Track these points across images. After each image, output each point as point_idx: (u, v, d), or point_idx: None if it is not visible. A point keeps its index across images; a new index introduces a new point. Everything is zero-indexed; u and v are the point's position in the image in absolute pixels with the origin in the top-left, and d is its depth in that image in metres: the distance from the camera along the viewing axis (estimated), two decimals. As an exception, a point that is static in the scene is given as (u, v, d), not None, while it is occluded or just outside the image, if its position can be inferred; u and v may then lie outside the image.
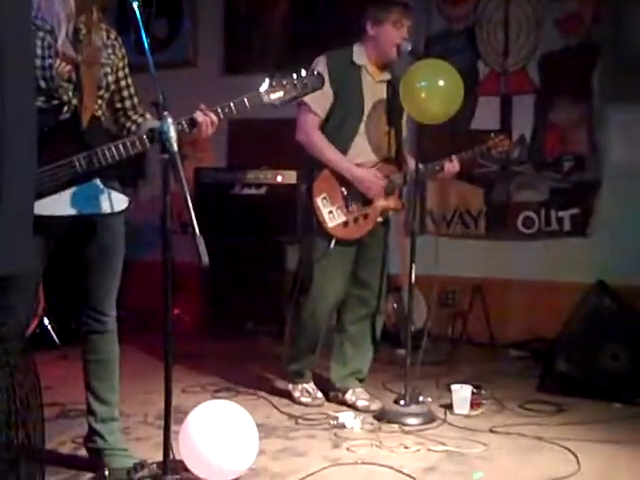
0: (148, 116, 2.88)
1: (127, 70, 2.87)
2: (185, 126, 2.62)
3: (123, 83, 2.85)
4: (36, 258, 2.66)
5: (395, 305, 5.13)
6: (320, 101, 3.67)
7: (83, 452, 3.01)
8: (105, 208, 2.75)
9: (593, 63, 5.15)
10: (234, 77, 5.75)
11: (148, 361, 4.45)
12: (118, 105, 2.86)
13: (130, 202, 2.85)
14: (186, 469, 2.72)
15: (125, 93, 2.86)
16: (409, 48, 3.69)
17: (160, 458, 2.51)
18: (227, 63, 6.13)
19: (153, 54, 2.47)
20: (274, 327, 5.36)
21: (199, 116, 2.64)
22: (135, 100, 2.89)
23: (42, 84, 2.60)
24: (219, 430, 2.74)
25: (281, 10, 5.97)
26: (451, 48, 5.42)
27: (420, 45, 5.24)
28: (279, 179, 5.54)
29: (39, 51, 2.59)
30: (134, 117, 2.88)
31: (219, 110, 2.68)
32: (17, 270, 1.55)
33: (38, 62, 2.58)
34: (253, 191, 5.58)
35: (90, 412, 2.90)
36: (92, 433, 2.91)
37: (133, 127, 2.86)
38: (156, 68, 2.45)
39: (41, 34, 2.60)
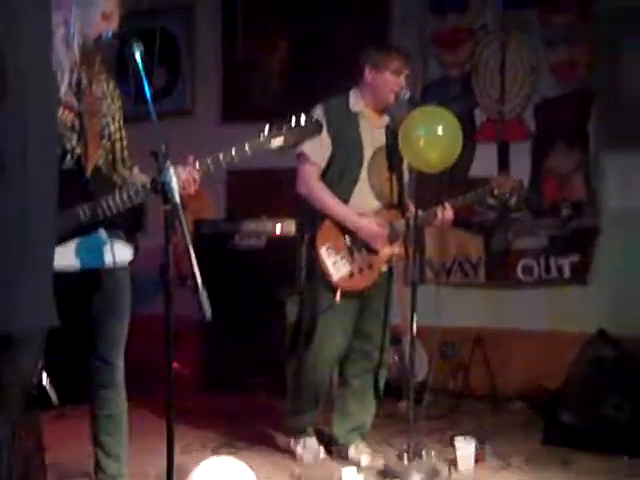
0: (135, 170, 2.86)
1: (122, 122, 2.85)
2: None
3: (118, 135, 2.83)
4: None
5: (396, 357, 5.05)
6: (319, 151, 3.64)
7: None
8: (110, 261, 2.70)
9: (589, 109, 5.14)
10: (232, 125, 5.73)
11: (147, 417, 4.34)
12: (109, 157, 2.83)
13: (136, 252, 2.81)
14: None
15: (118, 145, 2.84)
16: (407, 96, 3.67)
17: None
18: (225, 111, 6.12)
19: (152, 103, 2.43)
20: (273, 381, 5.26)
21: (182, 173, 2.58)
22: (125, 153, 2.87)
23: None
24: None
25: (279, 59, 5.98)
26: (448, 95, 5.42)
27: (417, 92, 5.24)
28: (278, 230, 5.49)
29: None
30: (121, 171, 2.85)
31: (220, 157, 2.65)
32: (42, 325, 1.52)
33: None
34: (252, 242, 5.52)
35: (99, 469, 2.82)
36: None
37: (119, 181, 2.82)
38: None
39: None
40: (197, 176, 2.62)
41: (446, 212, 3.76)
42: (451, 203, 3.78)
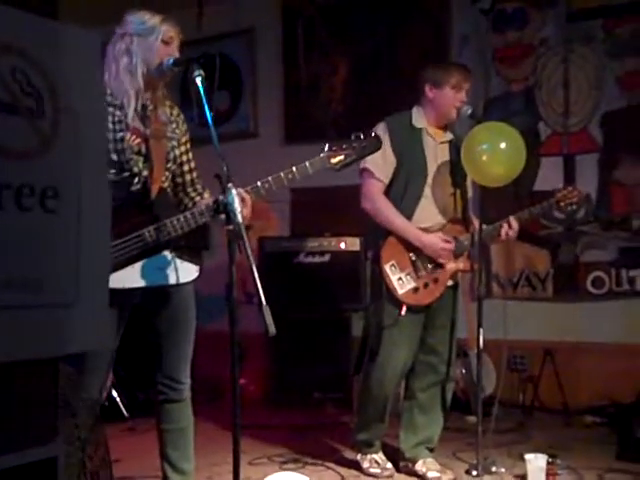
0: (206, 195, 2.93)
1: (188, 145, 2.93)
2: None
3: (184, 158, 2.92)
4: (111, 332, 2.69)
5: (464, 371, 5.03)
6: (383, 167, 3.67)
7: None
8: (175, 279, 2.77)
9: (655, 120, 5.08)
10: (295, 146, 5.81)
11: (214, 432, 4.42)
12: (178, 180, 2.91)
13: (201, 270, 2.88)
14: None
15: (185, 168, 2.92)
16: (469, 111, 3.68)
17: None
18: (287, 132, 6.21)
19: (215, 126, 2.50)
20: (340, 395, 5.29)
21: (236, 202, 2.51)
22: (194, 175, 2.95)
23: (114, 157, 2.68)
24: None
25: (340, 78, 6.05)
26: (511, 110, 5.40)
27: (479, 108, 5.24)
28: (342, 246, 5.53)
29: (110, 125, 2.68)
30: (192, 194, 2.93)
31: (282, 176, 2.70)
32: (97, 346, 1.60)
33: (110, 135, 2.67)
34: (317, 259, 5.57)
35: None
36: None
37: (190, 204, 2.90)
38: (219, 140, 2.48)
39: (111, 109, 2.70)
40: (248, 200, 2.62)
41: (511, 226, 3.75)
42: (517, 217, 3.77)
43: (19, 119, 1.34)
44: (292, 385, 5.53)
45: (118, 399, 4.95)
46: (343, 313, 5.59)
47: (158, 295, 2.78)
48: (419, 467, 3.76)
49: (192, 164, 2.95)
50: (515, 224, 3.75)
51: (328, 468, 3.90)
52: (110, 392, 4.90)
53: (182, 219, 2.69)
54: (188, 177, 2.93)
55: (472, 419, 4.62)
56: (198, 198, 2.93)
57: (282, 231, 6.16)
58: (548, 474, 3.57)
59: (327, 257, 5.56)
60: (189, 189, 2.94)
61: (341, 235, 5.54)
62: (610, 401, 4.89)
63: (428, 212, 3.73)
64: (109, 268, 1.61)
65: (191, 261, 2.82)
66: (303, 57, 6.18)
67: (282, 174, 2.71)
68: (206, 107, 2.45)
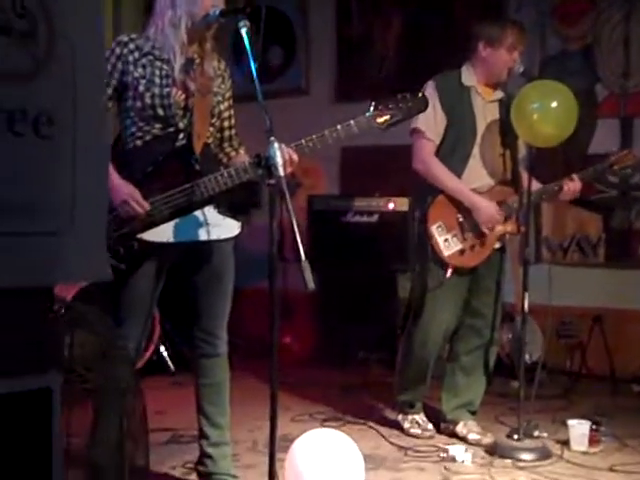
0: (242, 151, 2.91)
1: (231, 101, 2.91)
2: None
3: (226, 114, 2.90)
4: (149, 285, 2.72)
5: (510, 335, 4.98)
6: (433, 126, 3.62)
7: (193, 477, 3.03)
8: (217, 234, 2.78)
9: None
10: (346, 104, 5.75)
11: (257, 388, 4.42)
12: (217, 134, 2.89)
13: (243, 227, 2.87)
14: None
15: (226, 123, 2.91)
16: (521, 70, 3.59)
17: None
18: (339, 90, 6.15)
19: (267, 82, 2.47)
20: (386, 356, 5.28)
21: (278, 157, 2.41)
22: (233, 131, 2.93)
23: (160, 112, 2.67)
24: (325, 460, 2.70)
25: (394, 36, 5.95)
26: (567, 70, 5.25)
27: (535, 67, 5.10)
28: (391, 206, 5.48)
29: (157, 80, 2.67)
30: (227, 149, 2.92)
31: (326, 134, 2.67)
32: (91, 278, 1.62)
33: (156, 90, 2.66)
34: (365, 219, 5.54)
35: (202, 435, 2.93)
36: (204, 456, 2.93)
37: (224, 159, 2.89)
38: (270, 96, 2.44)
39: (158, 63, 2.69)
40: (295, 157, 2.57)
41: (574, 184, 3.66)
42: (580, 176, 3.67)
43: (11, 40, 1.34)
44: (338, 344, 5.54)
45: (165, 353, 5.02)
46: (390, 273, 5.56)
47: (198, 251, 2.79)
48: (460, 429, 3.75)
49: (232, 120, 2.93)
50: (578, 182, 3.67)
51: (369, 427, 3.92)
52: (158, 346, 4.97)
53: (226, 175, 2.68)
54: (227, 133, 2.92)
55: (516, 384, 4.60)
56: (233, 153, 2.92)
57: (332, 190, 6.13)
58: (591, 440, 3.54)
59: (375, 217, 5.52)
60: (225, 144, 2.92)
61: (390, 195, 5.49)
62: (660, 371, 4.81)
63: (476, 172, 3.67)
64: (107, 199, 1.61)
65: (233, 217, 2.82)
66: (356, 13, 6.08)
67: (326, 132, 2.68)
68: (251, 59, 2.42)
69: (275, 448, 2.41)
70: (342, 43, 6.15)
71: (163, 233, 2.67)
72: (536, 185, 3.63)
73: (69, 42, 1.41)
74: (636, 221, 5.16)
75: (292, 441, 2.93)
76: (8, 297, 1.34)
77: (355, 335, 5.50)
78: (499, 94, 3.73)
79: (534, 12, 5.32)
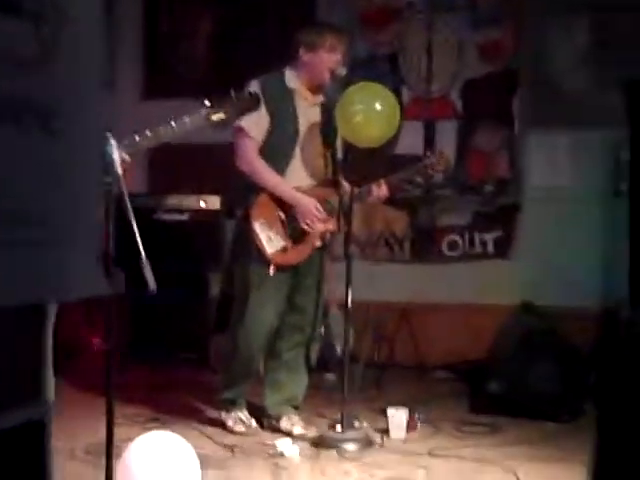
0: None
1: None
2: None
3: None
4: None
5: (322, 329, 5.09)
6: (257, 126, 3.64)
7: None
8: None
9: (514, 89, 5.29)
10: (155, 102, 5.64)
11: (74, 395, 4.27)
12: None
13: None
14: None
15: None
16: (343, 73, 3.71)
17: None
18: (147, 87, 6.00)
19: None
20: (194, 356, 5.23)
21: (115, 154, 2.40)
22: None
23: None
24: (161, 463, 2.65)
25: (204, 33, 5.90)
26: (375, 73, 5.42)
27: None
28: (202, 205, 5.43)
29: None
30: None
31: (161, 132, 2.61)
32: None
33: None
34: (176, 217, 5.44)
35: None
36: None
37: None
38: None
39: None
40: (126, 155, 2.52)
41: (381, 189, 3.82)
42: (387, 180, 3.84)
43: (22, 22, 1.26)
44: (147, 343, 5.42)
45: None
46: (201, 272, 5.51)
47: None
48: (284, 424, 3.80)
49: None
50: (384, 188, 3.83)
51: (191, 427, 3.85)
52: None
53: None
54: None
55: (330, 376, 4.75)
56: None
57: (139, 188, 5.97)
58: (409, 426, 3.71)
59: (186, 215, 5.44)
60: None
61: (201, 193, 5.43)
62: (460, 358, 5.10)
63: (298, 173, 3.75)
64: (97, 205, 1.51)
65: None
66: (165, 7, 5.97)
67: (161, 129, 2.62)
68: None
69: (113, 454, 2.33)
70: (151, 38, 6.01)
71: None
72: (347, 186, 3.76)
73: (73, 24, 1.33)
74: (439, 218, 5.45)
75: (116, 446, 2.83)
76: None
77: (165, 335, 5.41)
78: (320, 98, 3.82)
79: (343, 18, 5.44)
